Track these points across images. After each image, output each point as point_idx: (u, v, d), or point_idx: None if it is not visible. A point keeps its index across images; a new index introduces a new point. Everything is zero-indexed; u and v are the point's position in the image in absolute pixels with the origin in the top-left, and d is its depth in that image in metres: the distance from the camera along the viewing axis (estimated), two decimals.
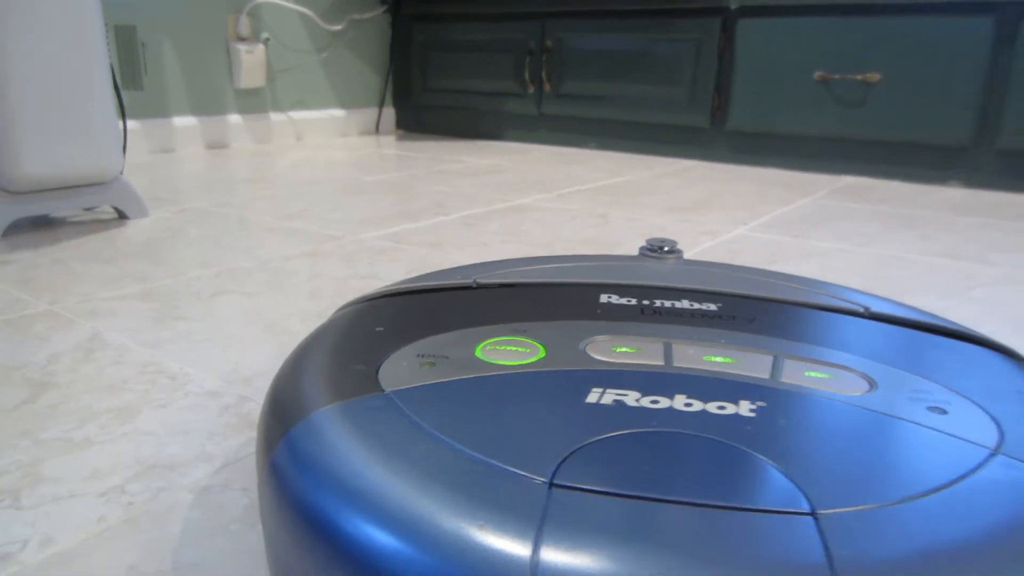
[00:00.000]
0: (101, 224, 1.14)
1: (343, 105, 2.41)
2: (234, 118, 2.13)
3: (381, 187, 1.48)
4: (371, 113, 2.50)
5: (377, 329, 0.41)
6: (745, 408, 0.32)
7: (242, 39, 2.10)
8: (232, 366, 0.63)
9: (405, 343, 0.38)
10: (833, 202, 1.43)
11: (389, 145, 2.20)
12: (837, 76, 1.73)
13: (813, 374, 0.36)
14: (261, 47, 2.13)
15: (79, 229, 1.10)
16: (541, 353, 0.37)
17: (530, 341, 0.38)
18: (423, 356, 0.37)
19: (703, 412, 0.31)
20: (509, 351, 0.37)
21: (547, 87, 2.19)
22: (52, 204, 1.09)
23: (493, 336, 0.39)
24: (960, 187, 1.65)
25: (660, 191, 1.49)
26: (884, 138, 1.71)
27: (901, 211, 1.35)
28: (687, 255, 1.01)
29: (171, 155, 1.88)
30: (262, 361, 0.64)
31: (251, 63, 2.12)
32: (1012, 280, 0.92)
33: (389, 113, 2.56)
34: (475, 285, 0.49)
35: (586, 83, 2.11)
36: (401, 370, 0.35)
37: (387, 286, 0.50)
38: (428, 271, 0.89)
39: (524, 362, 0.36)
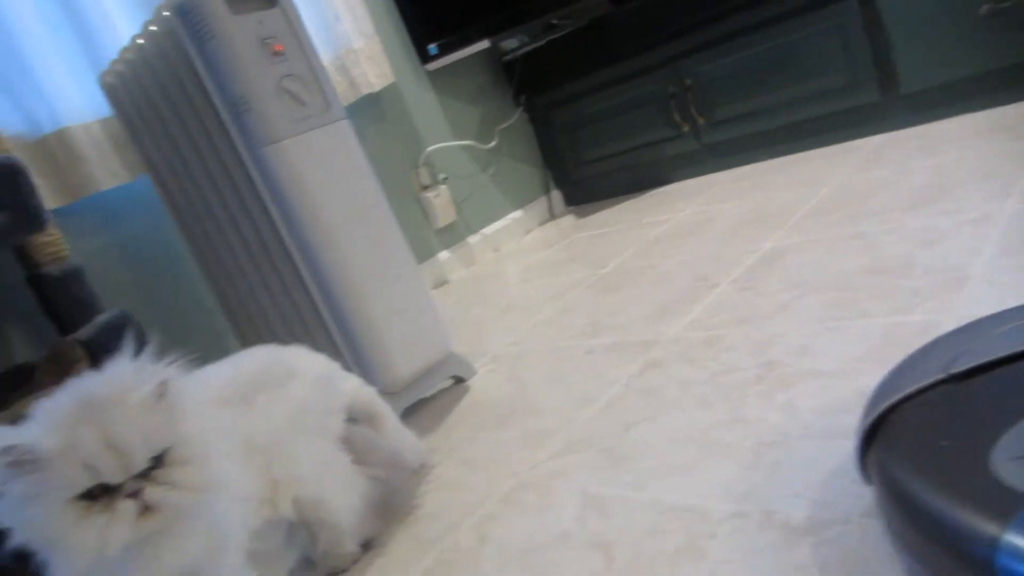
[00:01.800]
0: (450, 393, 1.36)
1: (518, 205, 2.64)
2: (443, 255, 2.39)
3: (623, 277, 1.64)
4: (542, 203, 2.71)
5: (942, 444, 0.55)
6: None
7: (426, 187, 2.37)
8: (719, 488, 0.79)
9: (986, 451, 0.52)
10: None
11: (575, 227, 2.39)
12: (1006, 3, 1.74)
13: None
14: (443, 187, 2.39)
15: (441, 405, 1.32)
16: None
17: None
18: (1017, 458, 0.50)
19: None
20: None
21: (700, 120, 2.32)
22: (419, 391, 1.32)
23: None
24: None
25: (879, 186, 1.56)
26: None
27: None
28: (987, 254, 1.08)
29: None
30: (736, 477, 0.80)
31: (440, 203, 2.38)
32: None
33: (556, 196, 2.76)
34: (950, 378, 0.62)
35: (738, 103, 2.22)
36: (1013, 476, 0.49)
37: (869, 407, 0.63)
38: (772, 348, 0.99)
39: None
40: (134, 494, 0.60)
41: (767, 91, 2.15)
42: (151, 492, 0.61)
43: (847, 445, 0.76)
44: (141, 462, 0.61)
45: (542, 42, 2.48)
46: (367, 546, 0.95)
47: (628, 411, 1.03)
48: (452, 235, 2.43)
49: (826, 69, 2.02)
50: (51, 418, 0.61)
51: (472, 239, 2.47)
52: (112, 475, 0.59)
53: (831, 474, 0.74)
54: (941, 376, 0.62)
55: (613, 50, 2.38)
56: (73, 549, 0.58)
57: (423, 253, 2.32)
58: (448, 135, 2.46)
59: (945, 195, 1.36)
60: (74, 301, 1.38)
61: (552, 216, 2.73)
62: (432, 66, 2.40)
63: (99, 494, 0.59)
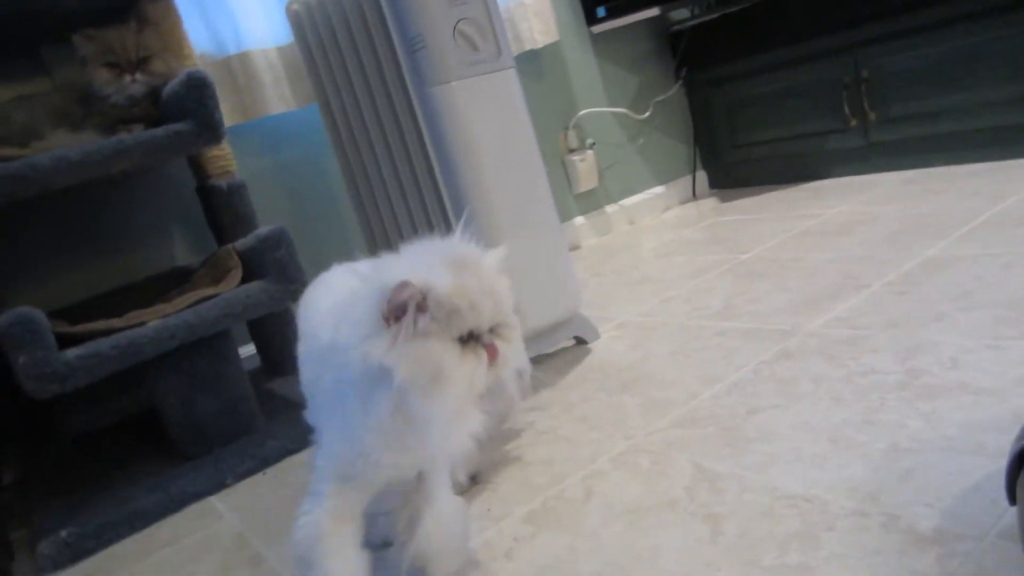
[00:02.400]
0: (571, 353, 1.37)
1: (661, 181, 2.59)
2: (579, 220, 2.39)
3: (766, 265, 1.59)
4: (686, 182, 2.65)
5: None
6: None
7: (572, 150, 2.37)
8: (844, 484, 0.76)
9: None
10: None
11: (715, 210, 2.32)
12: None
13: None
14: (589, 152, 2.38)
15: (562, 363, 1.34)
16: None
17: None
18: None
19: None
20: None
21: (871, 116, 2.18)
22: (541, 346, 1.34)
23: None
24: None
25: None
26: None
27: None
28: None
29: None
30: (866, 477, 0.77)
31: (584, 169, 2.38)
32: None
33: (701, 177, 2.69)
34: None
35: (914, 102, 2.08)
36: None
37: None
38: (919, 356, 0.94)
39: None
40: (489, 346, 0.64)
41: (951, 92, 1.99)
42: (500, 345, 0.65)
43: (992, 465, 0.72)
44: (504, 314, 0.65)
45: (715, 15, 2.41)
46: (475, 479, 0.99)
47: (755, 396, 1.01)
48: (590, 201, 2.42)
49: (1016, 75, 1.85)
50: (434, 265, 0.63)
51: (610, 208, 2.46)
52: (489, 319, 0.63)
53: (969, 490, 0.70)
54: None
55: (789, 30, 2.27)
56: (456, 382, 0.61)
57: (560, 215, 2.33)
58: (602, 100, 2.44)
59: None
60: (235, 214, 1.49)
61: (694, 196, 2.66)
62: (597, 28, 2.38)
63: (467, 340, 0.63)
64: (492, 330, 0.65)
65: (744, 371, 1.10)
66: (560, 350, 1.41)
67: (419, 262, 0.64)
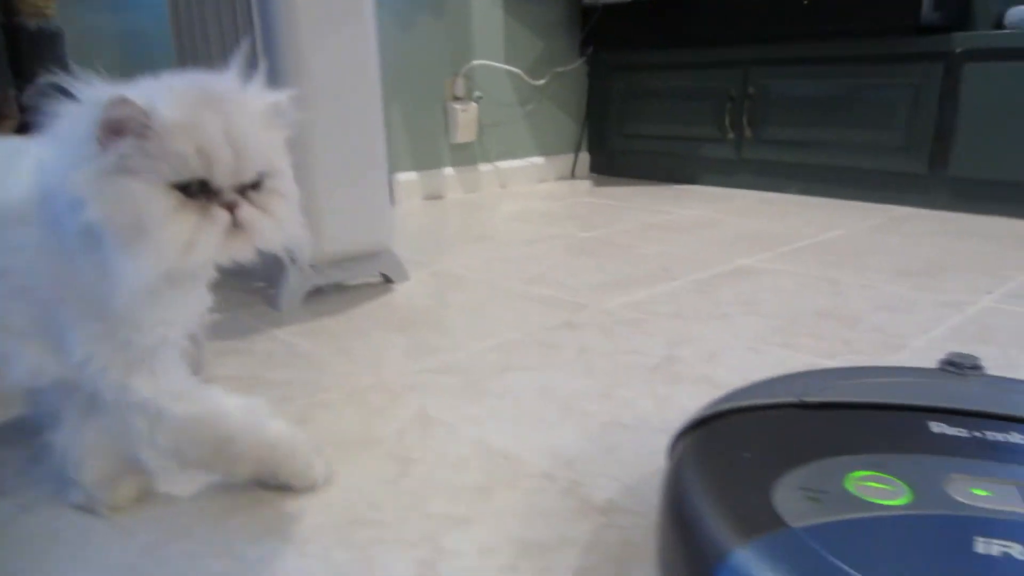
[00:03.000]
0: (373, 289, 1.31)
1: (543, 153, 2.56)
2: (448, 171, 2.32)
3: (602, 246, 1.57)
4: (567, 159, 2.63)
5: (744, 455, 0.48)
6: None
7: (457, 99, 2.29)
8: (550, 448, 0.73)
9: (779, 473, 0.46)
10: None
11: (587, 191, 2.31)
12: None
13: None
14: (474, 105, 2.32)
15: (357, 295, 1.28)
16: (908, 493, 0.43)
17: (892, 478, 0.45)
18: (805, 489, 0.44)
19: None
20: (877, 488, 0.44)
21: (747, 133, 2.21)
22: (338, 274, 1.27)
23: (855, 469, 0.46)
24: None
25: (883, 250, 1.48)
26: None
27: None
28: (935, 332, 1.02)
29: (396, 208, 2.09)
30: (573, 444, 0.74)
31: (465, 120, 2.30)
32: None
33: (584, 158, 2.68)
34: (801, 404, 0.55)
35: (789, 128, 2.12)
36: (791, 503, 0.43)
37: (715, 403, 0.58)
38: (684, 346, 0.95)
39: (897, 503, 0.42)
40: (231, 206, 0.53)
41: (822, 126, 2.04)
42: (247, 210, 0.54)
43: None
44: (251, 170, 0.54)
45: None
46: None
47: (518, 356, 0.97)
48: (465, 155, 2.35)
49: (887, 125, 1.91)
50: (170, 92, 0.52)
51: (484, 167, 2.40)
52: (222, 174, 0.52)
53: (659, 470, 0.68)
54: (792, 400, 0.56)
55: (696, 32, 2.26)
56: (163, 239, 0.50)
57: (428, 161, 2.26)
58: (499, 56, 2.37)
59: (936, 275, 1.28)
60: (41, 62, 1.33)
61: (572, 176, 2.64)
62: None
63: (196, 193, 0.52)
64: (244, 192, 0.54)
65: (521, 333, 1.06)
66: (363, 285, 1.34)
67: (160, 87, 0.53)
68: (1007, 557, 0.37)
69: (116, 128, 0.49)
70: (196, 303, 0.62)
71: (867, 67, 1.93)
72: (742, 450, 0.49)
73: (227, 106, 0.53)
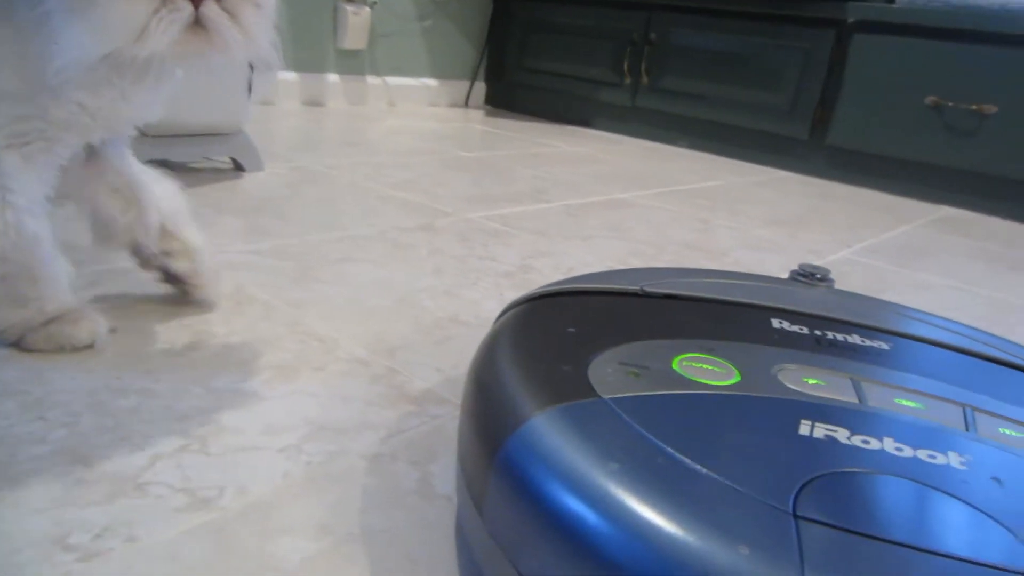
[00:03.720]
0: (220, 174, 1.18)
1: (437, 75, 2.43)
2: (333, 78, 2.16)
3: (480, 165, 1.50)
4: (463, 86, 2.52)
5: (569, 330, 0.42)
6: (955, 460, 0.33)
7: (350, 0, 2.13)
8: (374, 336, 0.66)
9: (602, 348, 0.40)
10: (935, 233, 1.40)
11: (479, 120, 2.22)
12: (950, 103, 1.69)
13: (1008, 431, 0.36)
14: (367, 10, 2.16)
15: (201, 177, 1.14)
16: (737, 375, 0.38)
17: (723, 361, 0.40)
18: (625, 364, 0.38)
19: (916, 459, 0.32)
20: (705, 369, 0.39)
21: (644, 80, 2.18)
22: (178, 151, 1.13)
23: (685, 352, 0.41)
24: None
25: (757, 200, 1.48)
26: (991, 172, 1.67)
27: (1007, 252, 1.32)
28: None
29: (271, 108, 1.92)
30: (401, 334, 0.67)
31: (356, 25, 2.14)
32: None
33: (480, 88, 2.57)
34: (642, 292, 0.50)
35: (685, 80, 2.10)
36: (609, 376, 0.37)
37: (551, 284, 0.52)
38: (541, 258, 0.91)
39: (724, 383, 0.37)
40: (197, 1, 0.46)
41: (716, 81, 2.03)
42: (214, 8, 0.46)
43: None
44: None
45: None
46: None
47: (360, 250, 0.88)
48: (353, 63, 2.20)
49: (775, 87, 1.92)
50: None
51: (372, 80, 2.26)
52: None
53: None
54: (633, 288, 0.50)
55: None
56: (114, 17, 0.44)
57: (311, 64, 2.09)
58: None
59: (802, 226, 1.29)
60: None
61: (466, 104, 2.54)
62: None
63: None
64: None
65: (372, 230, 0.97)
66: (211, 169, 1.20)
67: None
68: (831, 440, 0.33)
69: None
70: (137, 106, 0.54)
71: (765, 25, 1.93)
72: (568, 326, 0.43)
73: None
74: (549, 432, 0.32)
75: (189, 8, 0.46)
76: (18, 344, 0.55)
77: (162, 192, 0.65)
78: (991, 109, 1.64)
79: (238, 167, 1.22)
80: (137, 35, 0.45)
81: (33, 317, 0.55)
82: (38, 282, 0.54)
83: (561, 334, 0.42)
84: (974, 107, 1.66)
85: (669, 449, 0.31)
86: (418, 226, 1.01)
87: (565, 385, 0.36)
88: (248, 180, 1.17)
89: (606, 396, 0.35)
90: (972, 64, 1.66)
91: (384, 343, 0.64)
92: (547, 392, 0.35)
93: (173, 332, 0.62)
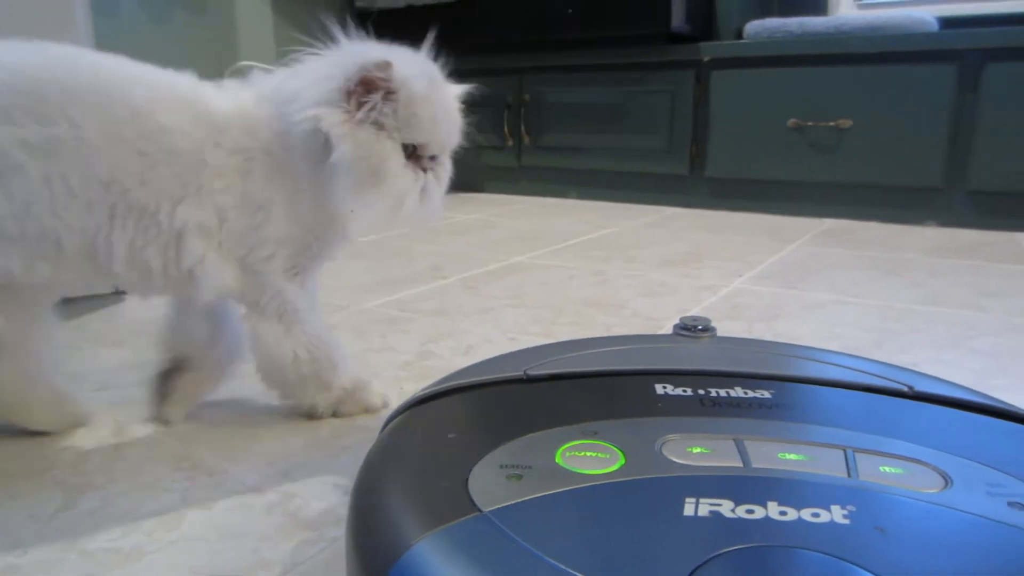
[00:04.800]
0: (100, 301, 1.12)
1: None
2: None
3: (376, 249, 1.48)
4: None
5: (449, 436, 0.41)
6: (838, 514, 0.33)
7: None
8: (267, 458, 0.62)
9: (484, 452, 0.39)
10: (819, 248, 1.46)
11: None
12: (810, 123, 1.79)
13: (887, 469, 0.37)
14: None
15: (79, 307, 1.08)
16: (621, 459, 0.38)
17: (607, 445, 0.39)
18: (507, 467, 0.37)
19: (800, 521, 0.32)
20: (589, 457, 0.38)
21: (526, 139, 2.23)
22: None
23: (568, 440, 0.40)
24: (936, 227, 1.70)
25: (649, 243, 1.52)
26: (859, 181, 1.77)
27: (886, 255, 1.39)
28: (693, 312, 1.03)
29: None
30: (296, 451, 0.64)
31: None
32: (1011, 328, 0.96)
33: None
34: (527, 377, 0.49)
35: (565, 134, 2.16)
36: (490, 485, 0.35)
37: (436, 383, 0.50)
38: (441, 341, 0.90)
39: (608, 470, 0.37)
40: (426, 171, 0.62)
41: (595, 132, 2.09)
42: (432, 178, 0.63)
43: None
44: (453, 144, 0.65)
45: (401, 5, 2.31)
46: None
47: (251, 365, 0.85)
48: None
49: (651, 130, 2.00)
50: (410, 63, 0.60)
51: None
52: (437, 143, 0.62)
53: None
54: (516, 374, 0.50)
55: (473, 39, 2.24)
56: (395, 190, 0.59)
57: None
58: (270, 57, 2.21)
59: (695, 263, 1.33)
60: None
61: None
62: None
63: (410, 155, 0.61)
64: (432, 158, 0.63)
65: None
66: (90, 295, 1.14)
67: (399, 55, 0.60)
68: (715, 516, 0.32)
69: (371, 86, 0.57)
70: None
71: (630, 75, 2.01)
72: (449, 431, 0.42)
73: (445, 86, 0.64)
74: (430, 560, 0.31)
75: (425, 180, 0.62)
76: (334, 414, 0.69)
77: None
78: (847, 123, 1.75)
79: (118, 291, 1.17)
80: (403, 203, 0.60)
81: (341, 397, 0.69)
82: (337, 366, 0.68)
83: (441, 443, 0.40)
84: (832, 123, 1.77)
85: (550, 560, 0.30)
86: None
87: (445, 503, 0.34)
88: (130, 304, 1.11)
89: (487, 510, 0.33)
90: (823, 85, 1.77)
91: (277, 465, 0.61)
92: (427, 514, 0.34)
93: (45, 491, 0.57)
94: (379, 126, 0.58)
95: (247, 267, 0.63)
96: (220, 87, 0.64)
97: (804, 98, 1.79)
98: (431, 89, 0.60)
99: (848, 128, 1.75)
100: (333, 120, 0.56)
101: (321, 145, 0.58)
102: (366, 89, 0.57)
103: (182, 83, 0.62)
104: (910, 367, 0.81)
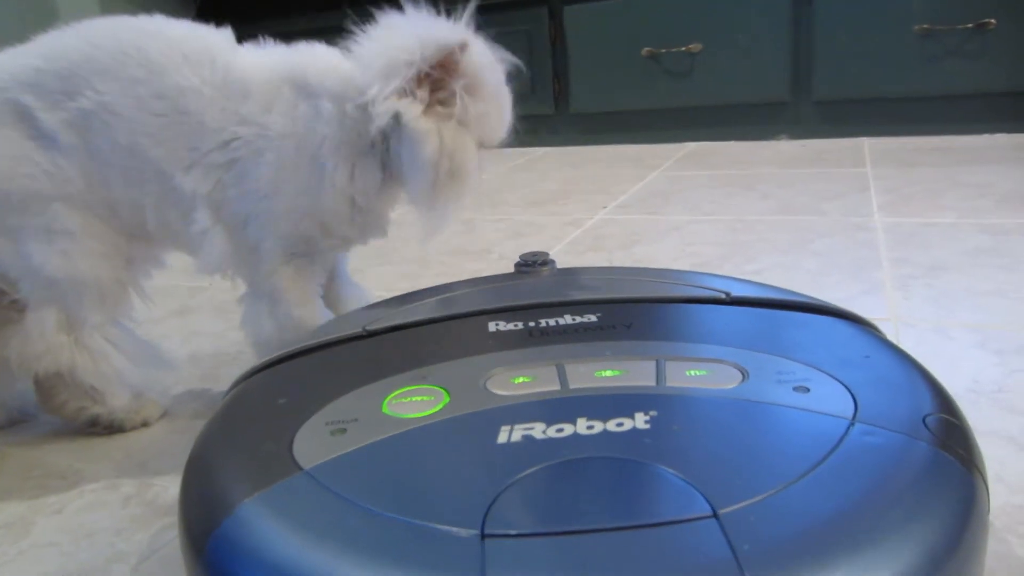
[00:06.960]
0: None
1: None
2: None
3: None
4: None
5: (280, 401, 0.41)
6: (640, 420, 0.35)
7: None
8: (124, 452, 0.61)
9: (312, 412, 0.39)
10: (680, 171, 1.52)
11: None
12: (663, 50, 1.83)
13: (693, 372, 0.40)
14: None
15: None
16: (446, 399, 0.39)
17: (433, 387, 0.40)
18: (332, 423, 0.37)
19: (604, 433, 0.34)
20: (415, 402, 0.39)
21: None
22: None
23: (397, 388, 0.40)
24: (788, 140, 1.79)
25: (518, 186, 1.53)
26: (714, 103, 1.83)
27: (741, 172, 1.46)
28: (557, 248, 1.05)
29: None
30: (151, 440, 0.62)
31: None
32: (843, 228, 1.03)
33: None
34: (366, 333, 0.50)
35: None
36: (314, 443, 0.36)
37: (305, 343, 0.50)
38: None
39: (431, 411, 0.38)
40: None
41: None
42: None
43: None
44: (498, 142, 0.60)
45: None
46: None
47: None
48: None
49: (512, 70, 1.99)
50: (484, 51, 0.57)
51: None
52: (497, 139, 0.59)
53: None
54: (356, 331, 0.50)
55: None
56: (471, 184, 0.56)
57: None
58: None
59: (561, 200, 1.35)
60: None
61: None
62: None
63: None
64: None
65: None
66: None
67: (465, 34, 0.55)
68: (527, 439, 0.34)
69: (451, 71, 0.53)
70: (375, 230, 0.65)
71: (483, 16, 1.99)
72: (279, 396, 0.42)
73: (503, 76, 0.58)
74: (250, 523, 0.31)
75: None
76: None
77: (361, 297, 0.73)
78: (697, 47, 1.80)
79: None
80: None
81: None
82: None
83: (270, 408, 0.40)
84: (683, 48, 1.81)
85: (365, 505, 0.30)
86: (169, 313, 0.95)
87: (267, 466, 0.34)
88: None
89: (307, 467, 0.34)
90: (671, 11, 1.80)
91: (135, 457, 0.60)
92: (249, 478, 0.34)
93: None
94: (463, 122, 0.54)
95: (245, 247, 0.59)
96: (263, 51, 0.59)
97: (655, 26, 1.83)
98: (502, 82, 0.57)
99: (699, 52, 1.80)
100: (414, 113, 0.52)
101: (374, 137, 0.54)
102: (440, 73, 0.53)
103: (209, 39, 0.57)
104: (755, 275, 0.86)
